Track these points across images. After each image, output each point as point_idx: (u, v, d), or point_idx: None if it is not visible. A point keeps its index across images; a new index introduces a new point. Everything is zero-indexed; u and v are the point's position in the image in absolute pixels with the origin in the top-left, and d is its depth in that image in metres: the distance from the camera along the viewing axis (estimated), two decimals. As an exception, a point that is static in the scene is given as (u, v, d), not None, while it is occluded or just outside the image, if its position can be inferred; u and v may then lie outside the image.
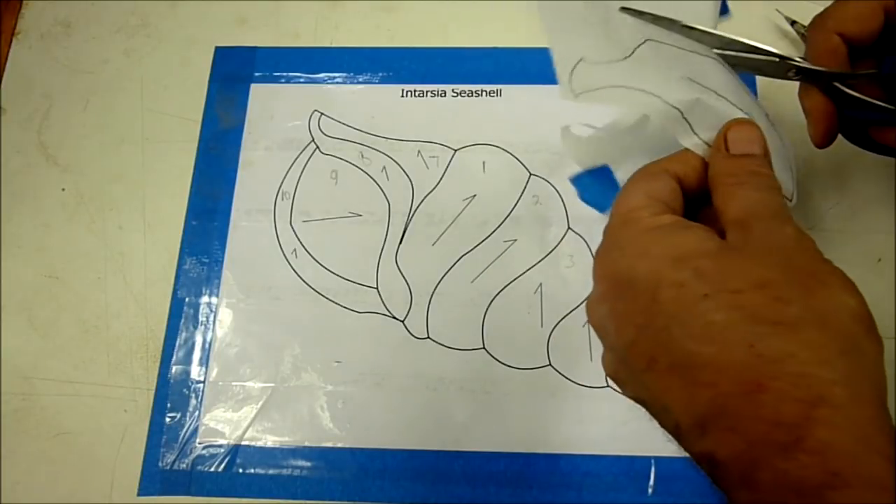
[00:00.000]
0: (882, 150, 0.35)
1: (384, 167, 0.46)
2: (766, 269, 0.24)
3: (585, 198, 0.38)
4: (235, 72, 0.49)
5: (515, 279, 0.43)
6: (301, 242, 0.44)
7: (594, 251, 0.43)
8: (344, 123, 0.47)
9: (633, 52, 0.30)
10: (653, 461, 0.39)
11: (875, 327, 0.24)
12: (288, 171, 0.46)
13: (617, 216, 0.28)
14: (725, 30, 0.32)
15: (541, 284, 0.43)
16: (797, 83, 0.47)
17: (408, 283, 0.43)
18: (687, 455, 0.25)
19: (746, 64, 0.31)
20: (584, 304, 0.41)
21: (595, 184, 0.38)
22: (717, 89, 0.29)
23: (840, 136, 0.35)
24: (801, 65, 0.31)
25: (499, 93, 0.47)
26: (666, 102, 0.29)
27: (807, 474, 0.21)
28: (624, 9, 0.29)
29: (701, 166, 0.29)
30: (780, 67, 0.31)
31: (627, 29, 0.29)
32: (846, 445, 0.21)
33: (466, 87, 0.48)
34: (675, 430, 0.25)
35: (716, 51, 0.30)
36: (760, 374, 0.22)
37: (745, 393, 0.22)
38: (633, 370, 0.26)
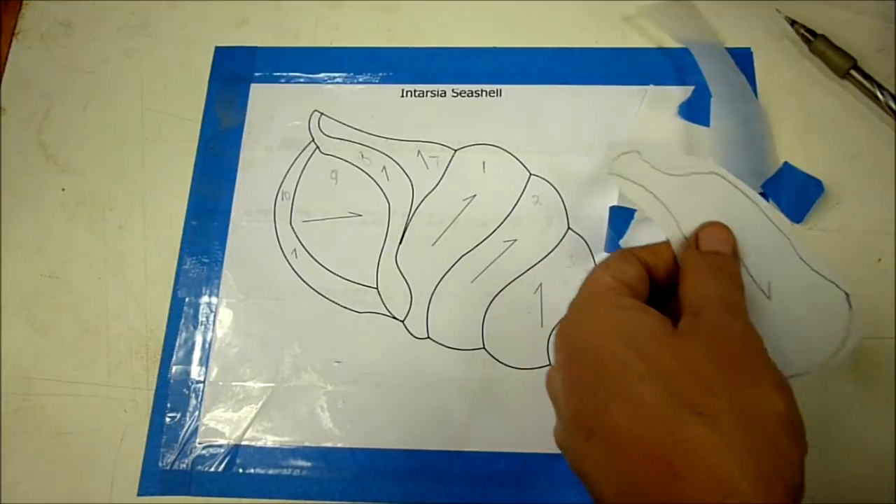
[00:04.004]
0: None
1: (384, 167, 0.46)
2: (703, 358, 0.25)
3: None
4: (235, 72, 0.49)
5: (515, 279, 0.43)
6: (301, 242, 0.44)
7: (594, 252, 0.43)
8: (344, 123, 0.47)
9: (686, 175, 0.32)
10: (653, 461, 0.39)
11: (800, 432, 0.25)
12: (288, 171, 0.46)
13: (584, 292, 0.29)
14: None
15: (541, 284, 0.43)
16: (796, 79, 0.47)
17: (408, 283, 0.43)
18: None
19: None
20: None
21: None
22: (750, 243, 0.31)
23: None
24: None
25: (499, 93, 0.47)
26: (678, 225, 0.31)
27: None
28: (612, 143, 0.32)
29: (671, 261, 0.30)
30: None
31: (699, 158, 0.31)
32: None
33: (466, 87, 0.48)
34: None
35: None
36: (676, 460, 0.23)
37: (661, 476, 0.23)
38: (575, 441, 0.27)
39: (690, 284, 0.28)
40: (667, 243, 0.31)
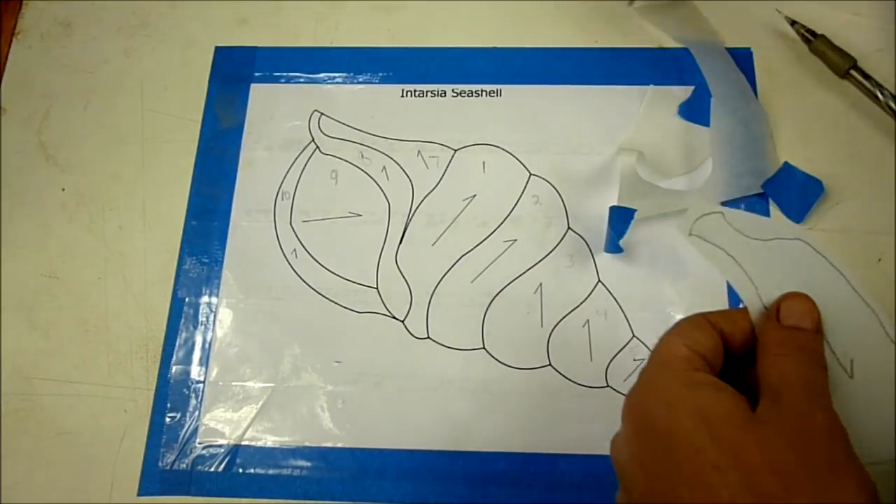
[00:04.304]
0: None
1: (384, 167, 0.46)
2: (784, 452, 0.24)
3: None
4: (235, 72, 0.49)
5: (515, 279, 0.43)
6: (301, 242, 0.44)
7: (594, 252, 0.43)
8: (344, 123, 0.47)
9: (769, 240, 0.30)
10: (653, 461, 0.39)
11: None
12: (288, 171, 0.46)
13: (656, 361, 0.28)
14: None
15: (541, 284, 0.43)
16: (796, 79, 0.47)
17: (408, 283, 0.43)
18: None
19: None
20: (583, 305, 0.42)
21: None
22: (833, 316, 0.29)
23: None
24: None
25: (499, 93, 0.47)
26: (758, 293, 0.29)
27: None
28: (696, 204, 0.31)
29: (749, 329, 0.29)
30: None
31: (784, 224, 0.30)
32: None
33: (466, 87, 0.48)
34: None
35: None
36: None
37: None
38: None
39: (770, 363, 0.27)
40: (744, 311, 0.29)
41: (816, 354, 0.27)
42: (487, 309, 0.42)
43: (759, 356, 0.27)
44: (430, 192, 0.45)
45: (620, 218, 0.41)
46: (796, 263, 0.30)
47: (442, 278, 0.43)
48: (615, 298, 0.42)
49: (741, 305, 0.30)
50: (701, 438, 0.24)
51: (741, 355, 0.29)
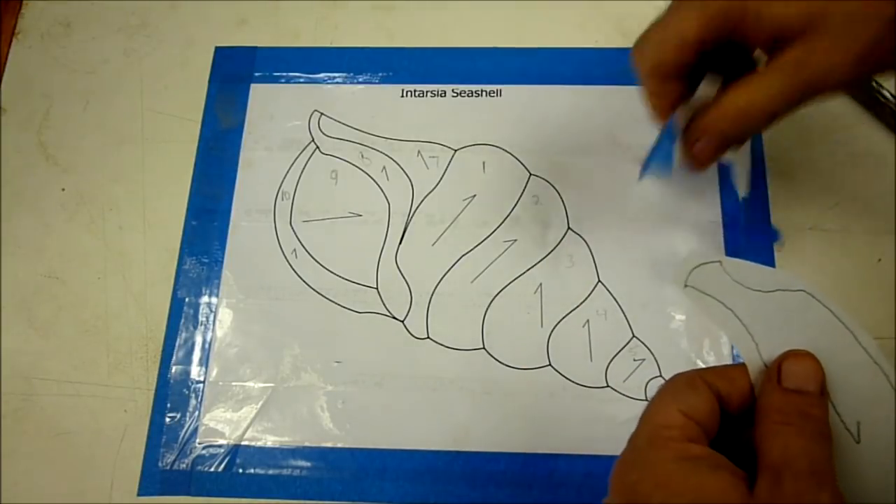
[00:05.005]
0: None
1: (384, 167, 0.46)
2: None
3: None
4: (235, 72, 0.49)
5: (515, 279, 0.43)
6: (301, 242, 0.44)
7: (594, 252, 0.43)
8: (344, 123, 0.47)
9: (771, 291, 0.28)
10: (653, 461, 0.39)
11: None
12: (288, 171, 0.46)
13: (646, 428, 0.26)
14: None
15: (541, 284, 0.43)
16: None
17: (408, 283, 0.43)
18: None
19: None
20: (583, 305, 0.42)
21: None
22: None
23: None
24: None
25: (499, 93, 0.47)
26: (758, 349, 0.28)
27: None
28: (690, 255, 0.29)
29: (747, 389, 0.27)
30: None
31: (788, 275, 0.28)
32: None
33: (466, 87, 0.48)
34: None
35: None
36: None
37: None
38: None
39: (769, 431, 0.25)
40: (742, 368, 0.27)
41: (820, 423, 0.25)
42: (487, 309, 0.42)
43: (758, 421, 0.26)
44: (430, 193, 0.45)
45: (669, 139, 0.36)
46: (799, 317, 0.27)
47: (442, 278, 0.43)
48: (615, 298, 0.42)
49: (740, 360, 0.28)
50: None
51: (736, 416, 0.27)
